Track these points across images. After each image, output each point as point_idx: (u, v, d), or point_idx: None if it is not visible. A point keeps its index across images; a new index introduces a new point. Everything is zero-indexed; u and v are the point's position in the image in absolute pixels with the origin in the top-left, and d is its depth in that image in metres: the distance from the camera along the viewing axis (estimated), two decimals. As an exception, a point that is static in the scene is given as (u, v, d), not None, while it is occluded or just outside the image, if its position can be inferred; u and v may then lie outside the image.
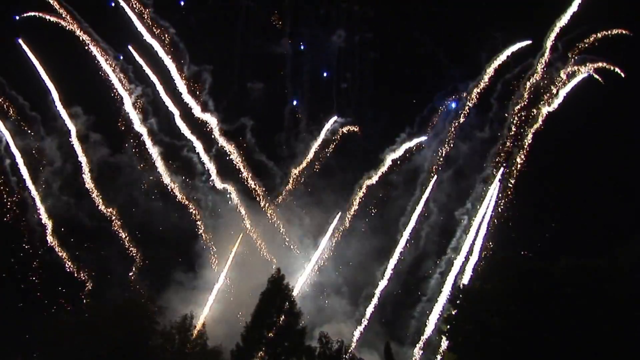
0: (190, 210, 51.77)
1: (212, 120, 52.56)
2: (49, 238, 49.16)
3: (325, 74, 54.77)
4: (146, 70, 51.48)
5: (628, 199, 46.34)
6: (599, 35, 48.78)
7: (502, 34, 51.39)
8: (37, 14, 49.69)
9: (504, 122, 51.70)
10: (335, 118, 53.33)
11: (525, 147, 50.20)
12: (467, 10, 52.43)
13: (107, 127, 51.65)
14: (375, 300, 52.07)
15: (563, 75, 49.47)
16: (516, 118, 50.65)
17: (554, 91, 49.47)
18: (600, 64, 48.69)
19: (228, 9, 55.21)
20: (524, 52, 51.10)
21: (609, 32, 48.55)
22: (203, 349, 39.88)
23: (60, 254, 49.24)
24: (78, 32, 50.47)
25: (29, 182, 49.43)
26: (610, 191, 47.05)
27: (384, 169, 52.34)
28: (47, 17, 49.92)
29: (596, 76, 48.74)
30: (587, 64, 48.94)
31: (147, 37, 51.44)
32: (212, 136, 52.86)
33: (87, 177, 50.34)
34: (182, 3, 53.88)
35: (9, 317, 46.22)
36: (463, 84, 52.65)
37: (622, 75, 47.96)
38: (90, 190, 50.36)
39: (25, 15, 49.51)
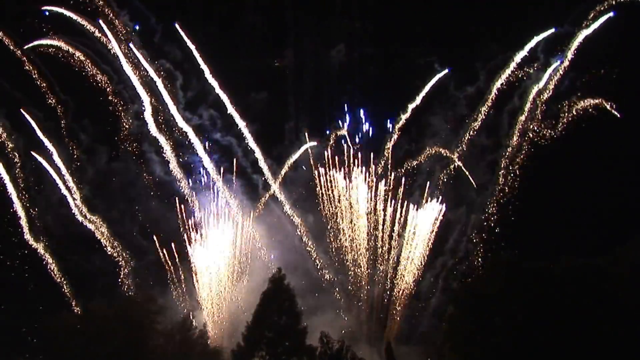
0: (192, 211, 51.90)
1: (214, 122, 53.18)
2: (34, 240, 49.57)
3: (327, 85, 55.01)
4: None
5: (628, 198, 46.37)
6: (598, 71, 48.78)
7: (498, 44, 51.66)
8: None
9: (500, 126, 52.08)
10: (339, 131, 53.42)
11: (525, 149, 50.43)
12: (465, 21, 52.82)
13: (109, 136, 52.71)
14: (374, 299, 52.61)
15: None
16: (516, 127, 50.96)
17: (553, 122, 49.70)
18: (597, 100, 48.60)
19: (233, 24, 55.87)
20: (523, 61, 51.26)
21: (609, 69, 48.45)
22: (204, 348, 40.01)
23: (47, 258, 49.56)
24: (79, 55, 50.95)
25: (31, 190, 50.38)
26: (611, 191, 47.05)
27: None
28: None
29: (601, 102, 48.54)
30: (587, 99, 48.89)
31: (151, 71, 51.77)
32: (212, 139, 53.38)
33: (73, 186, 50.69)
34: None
35: (9, 317, 46.38)
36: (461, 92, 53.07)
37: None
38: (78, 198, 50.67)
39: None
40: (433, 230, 51.75)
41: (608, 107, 47.77)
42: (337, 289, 53.08)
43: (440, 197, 51.73)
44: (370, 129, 54.44)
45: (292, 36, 55.50)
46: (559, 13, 50.21)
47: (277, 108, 54.84)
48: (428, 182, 52.32)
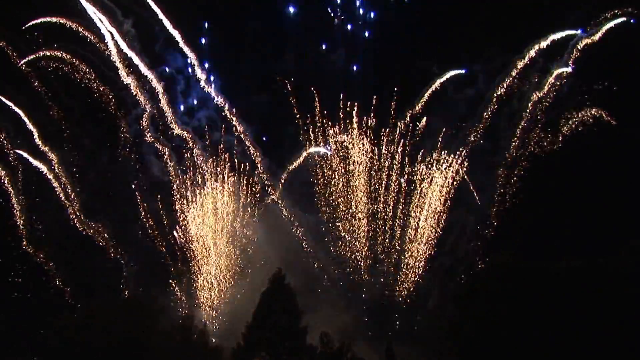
0: (192, 209, 52.05)
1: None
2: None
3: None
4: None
5: (628, 198, 46.35)
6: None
7: (498, 50, 51.54)
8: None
9: (500, 130, 52.07)
10: (341, 137, 53.38)
11: (526, 154, 50.47)
12: (465, 26, 52.89)
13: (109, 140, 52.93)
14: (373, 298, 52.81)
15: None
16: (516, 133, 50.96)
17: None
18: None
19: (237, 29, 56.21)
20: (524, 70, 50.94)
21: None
22: (204, 348, 39.97)
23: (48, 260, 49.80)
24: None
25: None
26: (611, 191, 47.04)
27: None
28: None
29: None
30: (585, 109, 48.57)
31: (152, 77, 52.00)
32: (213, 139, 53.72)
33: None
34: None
35: (10, 316, 46.42)
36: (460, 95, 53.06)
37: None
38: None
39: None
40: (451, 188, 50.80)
41: (605, 116, 47.56)
42: (337, 285, 53.41)
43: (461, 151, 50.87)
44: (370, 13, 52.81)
45: (294, 41, 55.81)
46: (567, 17, 49.74)
47: (278, 111, 55.15)
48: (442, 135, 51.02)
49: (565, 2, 50.27)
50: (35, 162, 49.81)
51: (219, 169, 53.13)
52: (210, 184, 52.83)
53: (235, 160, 53.60)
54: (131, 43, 50.49)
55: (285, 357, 34.78)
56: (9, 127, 49.63)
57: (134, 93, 50.98)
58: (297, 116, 52.89)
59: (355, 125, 51.62)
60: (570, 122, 48.56)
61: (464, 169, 51.14)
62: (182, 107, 53.32)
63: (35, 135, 49.82)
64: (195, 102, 53.74)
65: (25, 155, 49.74)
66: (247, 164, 53.86)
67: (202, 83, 52.30)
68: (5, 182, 49.33)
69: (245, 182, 53.55)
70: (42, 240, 50.15)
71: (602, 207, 46.61)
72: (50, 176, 50.20)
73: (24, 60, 49.43)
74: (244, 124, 53.60)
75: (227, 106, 52.81)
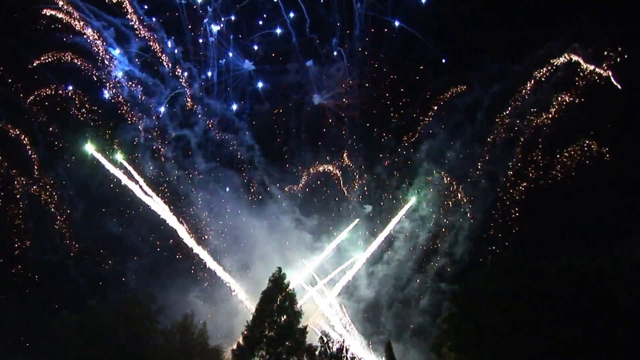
0: (195, 213, 52.27)
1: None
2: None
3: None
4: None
5: (628, 198, 46.38)
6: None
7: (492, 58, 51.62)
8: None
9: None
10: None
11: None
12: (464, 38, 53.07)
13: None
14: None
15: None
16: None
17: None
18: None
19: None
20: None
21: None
22: (204, 347, 39.99)
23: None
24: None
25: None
26: (611, 191, 47.08)
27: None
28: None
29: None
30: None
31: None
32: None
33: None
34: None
35: (11, 316, 46.44)
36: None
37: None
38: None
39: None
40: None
41: (597, 148, 47.75)
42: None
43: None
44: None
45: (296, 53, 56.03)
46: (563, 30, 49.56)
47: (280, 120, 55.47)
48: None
49: (561, 13, 50.53)
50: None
51: (218, 171, 53.48)
52: (210, 185, 53.14)
53: (233, 163, 54.22)
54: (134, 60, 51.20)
55: (285, 356, 34.74)
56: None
57: (135, 106, 51.65)
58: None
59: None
60: (570, 155, 48.80)
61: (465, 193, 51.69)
62: (181, 114, 53.88)
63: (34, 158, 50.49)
64: (196, 110, 54.32)
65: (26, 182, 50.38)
66: (248, 165, 54.37)
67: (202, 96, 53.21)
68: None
69: (245, 183, 53.93)
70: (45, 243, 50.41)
71: (602, 207, 46.72)
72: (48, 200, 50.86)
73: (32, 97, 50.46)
74: (244, 127, 54.23)
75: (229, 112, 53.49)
